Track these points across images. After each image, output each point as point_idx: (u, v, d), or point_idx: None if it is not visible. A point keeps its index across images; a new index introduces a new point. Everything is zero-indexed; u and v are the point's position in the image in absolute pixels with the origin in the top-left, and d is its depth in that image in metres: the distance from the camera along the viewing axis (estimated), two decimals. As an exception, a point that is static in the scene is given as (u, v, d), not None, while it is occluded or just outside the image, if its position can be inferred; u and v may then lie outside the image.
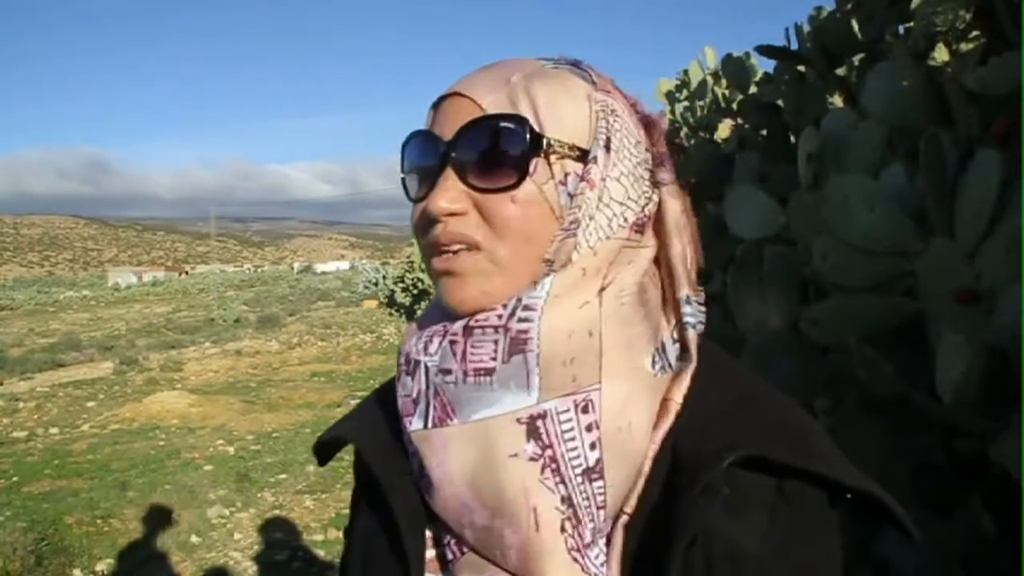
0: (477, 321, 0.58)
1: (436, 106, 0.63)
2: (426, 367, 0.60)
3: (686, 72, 3.16)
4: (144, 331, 18.62)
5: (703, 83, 2.92)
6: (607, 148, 0.59)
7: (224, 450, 7.00)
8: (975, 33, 1.29)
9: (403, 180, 0.64)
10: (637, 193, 0.61)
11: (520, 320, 0.56)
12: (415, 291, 16.35)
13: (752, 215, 1.48)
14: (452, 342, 0.58)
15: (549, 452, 0.56)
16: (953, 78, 1.14)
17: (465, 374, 0.57)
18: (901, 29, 1.58)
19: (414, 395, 0.60)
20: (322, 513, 5.34)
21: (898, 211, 1.10)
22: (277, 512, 5.38)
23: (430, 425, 0.59)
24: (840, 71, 1.83)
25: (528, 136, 0.57)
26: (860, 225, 1.12)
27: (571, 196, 0.58)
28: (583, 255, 0.58)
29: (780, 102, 2.01)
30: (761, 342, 1.38)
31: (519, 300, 0.57)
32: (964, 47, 1.30)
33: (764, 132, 2.15)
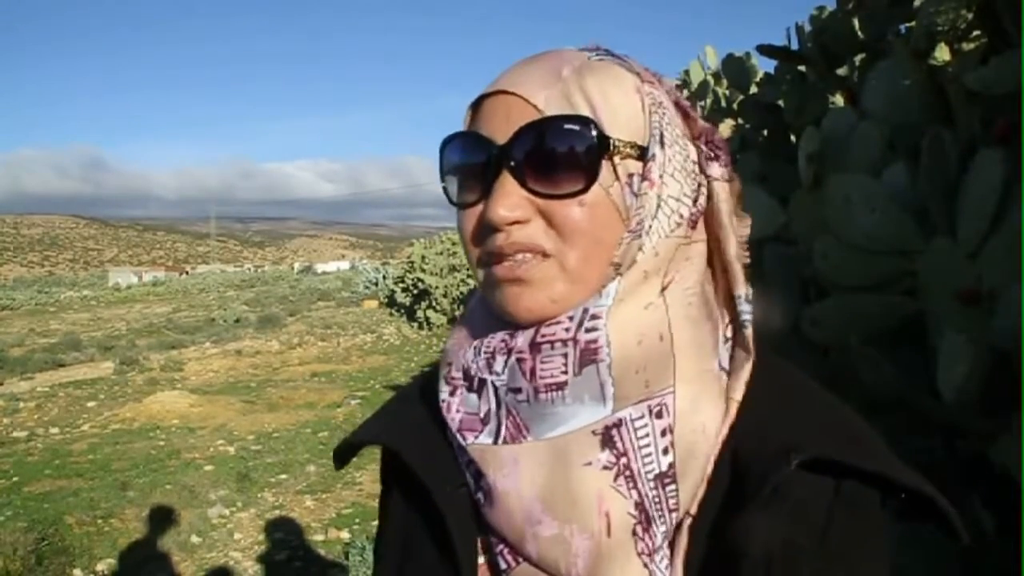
0: (544, 336, 0.56)
1: (477, 105, 0.60)
2: (494, 386, 0.57)
3: (687, 72, 3.16)
4: (144, 331, 18.62)
5: (704, 83, 2.91)
6: (661, 144, 0.57)
7: (224, 450, 6.99)
8: (976, 33, 1.29)
9: (443, 186, 0.61)
10: (689, 188, 0.59)
11: (588, 330, 0.55)
12: (415, 291, 16.33)
13: (753, 215, 1.48)
14: (520, 360, 0.56)
15: (624, 460, 0.54)
16: (954, 77, 1.14)
17: (536, 391, 0.55)
18: (902, 29, 1.58)
19: (482, 414, 0.58)
20: (323, 513, 5.34)
21: (899, 211, 1.09)
22: (278, 512, 5.38)
23: (500, 442, 0.57)
24: (841, 71, 1.83)
25: (595, 137, 0.55)
26: (861, 225, 1.12)
27: (636, 196, 0.56)
28: (646, 256, 0.56)
29: (781, 102, 2.01)
30: (761, 342, 1.38)
31: (585, 311, 0.55)
32: (965, 47, 1.30)
33: (765, 132, 2.15)
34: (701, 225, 0.61)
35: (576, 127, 0.55)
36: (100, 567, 4.50)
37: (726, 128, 2.56)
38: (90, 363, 13.18)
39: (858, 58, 1.78)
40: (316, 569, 4.46)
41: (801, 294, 1.40)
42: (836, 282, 1.20)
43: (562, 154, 0.55)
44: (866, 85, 1.30)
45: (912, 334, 1.10)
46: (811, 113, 1.78)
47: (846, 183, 1.16)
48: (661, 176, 0.57)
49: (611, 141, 0.55)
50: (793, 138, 1.96)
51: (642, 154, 0.57)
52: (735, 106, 2.52)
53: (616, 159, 0.56)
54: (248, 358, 12.85)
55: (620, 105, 0.57)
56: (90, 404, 9.39)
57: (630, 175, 0.56)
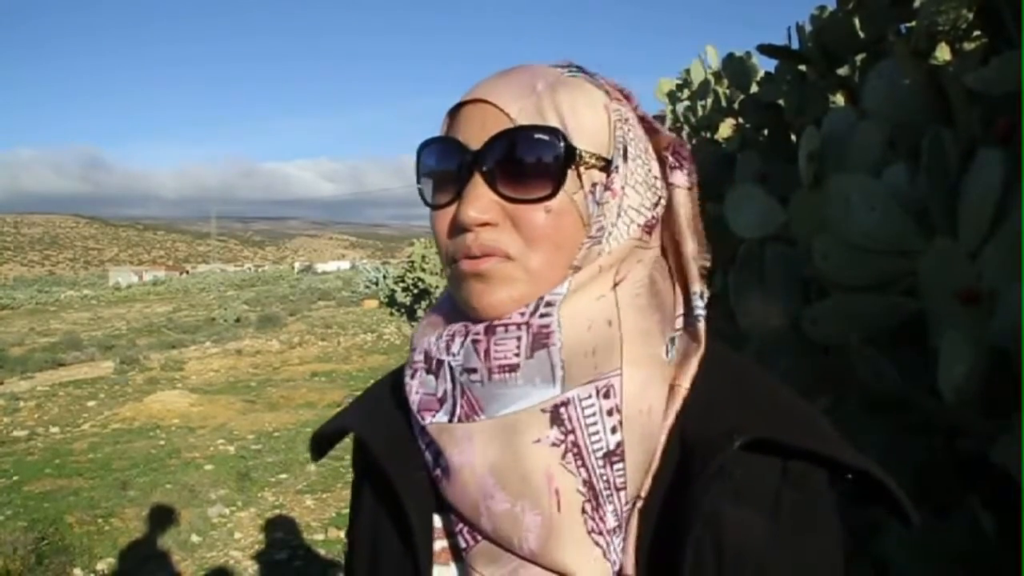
0: (500, 320, 0.59)
1: (454, 112, 0.64)
2: (450, 366, 0.60)
3: (688, 72, 3.16)
4: (145, 330, 18.63)
5: (705, 83, 2.91)
6: (624, 157, 0.61)
7: (225, 449, 7.00)
8: (977, 32, 1.29)
9: (419, 188, 0.65)
10: (649, 201, 0.63)
11: (542, 315, 0.58)
12: (415, 291, 16.34)
13: (753, 214, 1.48)
14: (475, 341, 0.59)
15: (571, 437, 0.57)
16: (954, 77, 1.14)
17: (490, 371, 0.58)
18: (903, 28, 1.58)
19: (439, 394, 0.61)
20: (323, 512, 5.34)
21: (899, 210, 1.09)
22: (278, 511, 5.39)
23: (455, 421, 0.60)
24: (841, 70, 1.83)
25: (562, 147, 0.58)
26: (861, 224, 1.12)
27: (598, 204, 0.60)
28: (601, 256, 0.60)
29: (781, 101, 2.01)
30: (762, 341, 1.38)
31: (541, 298, 0.59)
32: (966, 46, 1.30)
33: (765, 131, 2.15)
34: (657, 233, 0.65)
35: (545, 137, 0.59)
36: (100, 566, 4.50)
37: (726, 127, 2.56)
38: (90, 362, 13.19)
39: (858, 58, 1.78)
40: (316, 568, 4.47)
41: (801, 294, 1.39)
42: (836, 282, 1.20)
43: (531, 161, 0.58)
44: (866, 85, 1.30)
45: (912, 334, 1.10)
46: (811, 112, 1.78)
47: (846, 183, 1.16)
48: (623, 187, 0.61)
49: (577, 151, 0.59)
50: (793, 137, 1.96)
51: (606, 166, 0.61)
52: (736, 105, 2.52)
53: (582, 169, 0.60)
54: (248, 357, 12.86)
55: (588, 119, 0.61)
56: (90, 403, 9.40)
57: (594, 184, 0.60)
